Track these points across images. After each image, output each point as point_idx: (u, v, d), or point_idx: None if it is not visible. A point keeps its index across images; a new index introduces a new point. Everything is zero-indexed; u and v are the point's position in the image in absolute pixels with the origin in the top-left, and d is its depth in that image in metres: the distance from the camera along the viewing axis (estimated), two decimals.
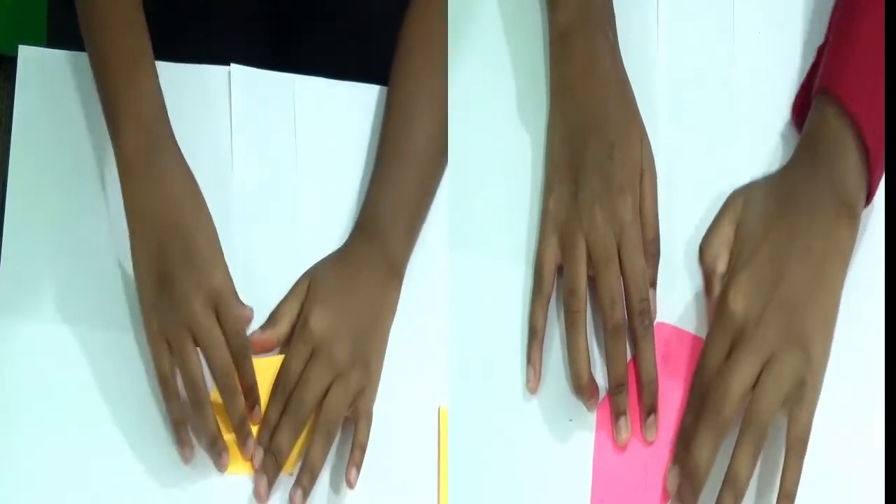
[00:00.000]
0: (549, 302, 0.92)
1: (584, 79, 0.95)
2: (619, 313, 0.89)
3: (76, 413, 0.90)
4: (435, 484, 0.93)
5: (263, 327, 0.94)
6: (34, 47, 1.02)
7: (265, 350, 0.93)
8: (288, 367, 0.91)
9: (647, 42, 1.02)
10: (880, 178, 0.91)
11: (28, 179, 0.97)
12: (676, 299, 0.94)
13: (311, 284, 0.94)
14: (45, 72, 1.01)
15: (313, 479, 0.89)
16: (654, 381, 0.89)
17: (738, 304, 0.87)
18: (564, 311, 0.90)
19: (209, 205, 0.93)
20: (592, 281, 0.91)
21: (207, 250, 0.90)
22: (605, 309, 0.89)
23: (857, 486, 0.89)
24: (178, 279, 0.88)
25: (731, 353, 0.86)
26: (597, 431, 0.90)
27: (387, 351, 0.95)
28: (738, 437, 0.83)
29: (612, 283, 0.89)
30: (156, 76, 0.95)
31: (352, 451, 0.90)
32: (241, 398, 0.89)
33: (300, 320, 0.93)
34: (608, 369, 0.89)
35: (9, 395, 0.90)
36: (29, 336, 0.92)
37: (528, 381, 0.91)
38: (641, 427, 0.90)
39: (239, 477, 0.91)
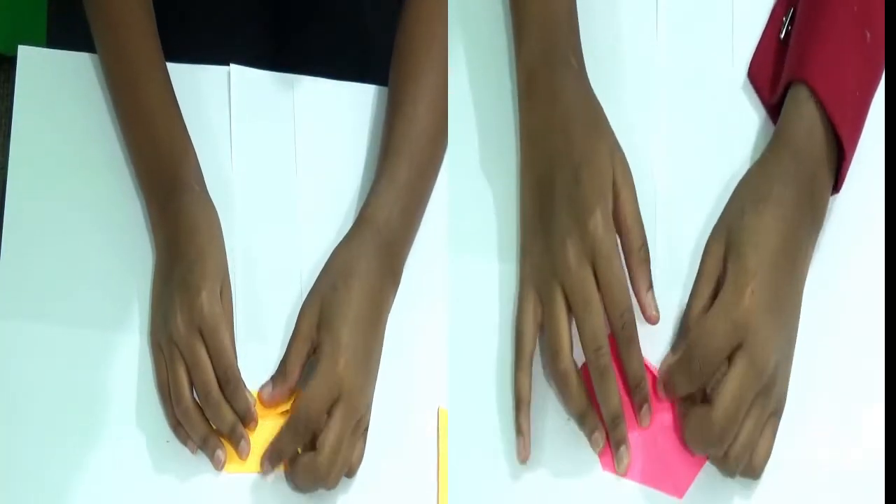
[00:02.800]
0: (531, 366, 0.89)
1: (548, 121, 0.92)
2: (606, 357, 0.86)
3: (76, 413, 0.90)
4: (435, 484, 0.93)
5: (275, 380, 0.92)
6: (34, 47, 1.02)
7: (285, 402, 0.92)
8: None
9: (647, 42, 1.02)
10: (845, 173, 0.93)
11: (28, 179, 0.97)
12: (676, 300, 0.93)
13: (324, 321, 0.91)
14: (45, 72, 1.01)
15: None
16: (643, 385, 0.88)
17: (750, 317, 0.85)
18: (550, 371, 0.88)
19: None
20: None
21: (200, 277, 0.90)
22: (590, 355, 0.87)
23: (857, 486, 0.88)
24: (172, 297, 0.90)
25: (734, 357, 0.84)
26: None
27: (387, 351, 0.94)
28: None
29: (594, 327, 0.86)
30: (185, 129, 0.97)
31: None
32: (226, 411, 0.90)
33: (323, 361, 0.90)
34: (601, 408, 0.87)
35: (9, 395, 0.90)
36: (28, 336, 0.92)
37: (518, 452, 0.88)
38: (636, 418, 0.89)
39: (238, 476, 0.91)
